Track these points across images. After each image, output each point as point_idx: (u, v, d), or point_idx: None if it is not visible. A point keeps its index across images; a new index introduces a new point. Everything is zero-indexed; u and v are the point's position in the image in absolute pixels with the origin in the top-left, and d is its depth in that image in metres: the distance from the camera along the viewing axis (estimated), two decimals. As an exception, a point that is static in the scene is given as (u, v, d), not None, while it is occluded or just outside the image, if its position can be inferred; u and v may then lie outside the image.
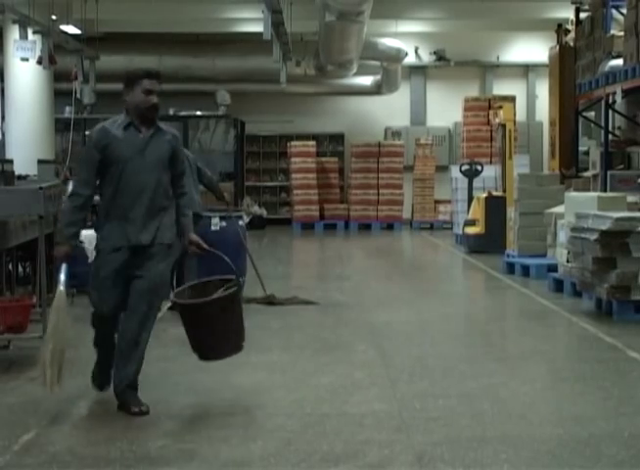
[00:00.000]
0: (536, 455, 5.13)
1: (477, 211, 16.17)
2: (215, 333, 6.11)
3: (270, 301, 10.60)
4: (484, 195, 16.24)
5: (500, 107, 16.62)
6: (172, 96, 22.20)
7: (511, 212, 14.04)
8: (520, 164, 16.75)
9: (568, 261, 10.62)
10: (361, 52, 19.48)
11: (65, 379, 5.92)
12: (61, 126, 18.25)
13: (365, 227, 22.12)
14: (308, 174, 22.10)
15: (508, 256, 13.73)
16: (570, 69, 17.56)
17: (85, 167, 6.04)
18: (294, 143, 22.48)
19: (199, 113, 22.34)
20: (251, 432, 5.55)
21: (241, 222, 11.09)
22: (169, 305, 9.16)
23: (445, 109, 23.40)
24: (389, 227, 22.13)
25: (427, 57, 23.72)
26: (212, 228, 10.59)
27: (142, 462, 5.03)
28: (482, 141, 20.12)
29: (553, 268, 11.59)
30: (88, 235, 10.81)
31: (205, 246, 6.26)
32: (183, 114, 22.19)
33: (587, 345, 8.42)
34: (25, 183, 10.30)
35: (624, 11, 15.09)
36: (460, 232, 17.35)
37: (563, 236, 11.09)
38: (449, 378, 6.97)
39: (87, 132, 22.03)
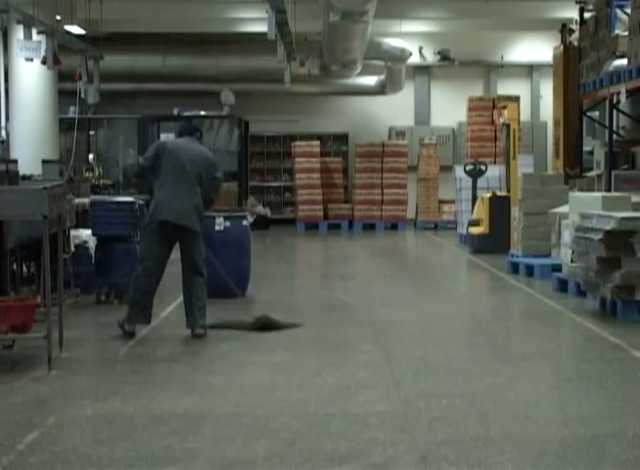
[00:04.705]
0: (541, 455, 5.12)
1: (481, 210, 16.16)
2: None
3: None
4: (489, 195, 16.23)
5: (504, 107, 16.60)
6: (176, 96, 22.28)
7: (515, 212, 14.04)
8: (524, 164, 16.73)
9: (572, 261, 10.61)
10: (365, 52, 19.47)
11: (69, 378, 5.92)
12: (65, 126, 18.26)
13: (369, 227, 22.10)
14: (312, 174, 22.09)
15: (512, 255, 13.73)
16: (574, 68, 17.55)
17: None
18: (298, 143, 22.47)
19: (203, 112, 22.33)
20: (255, 431, 5.55)
21: (245, 222, 11.09)
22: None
23: (449, 109, 23.40)
24: (394, 227, 22.11)
25: (431, 57, 23.70)
26: (217, 228, 10.60)
27: (146, 462, 5.03)
28: (487, 141, 20.13)
29: (557, 268, 11.59)
30: (90, 235, 10.89)
31: None
32: (187, 113, 22.18)
33: (591, 345, 8.42)
34: (30, 183, 10.30)
35: (629, 11, 15.08)
36: (464, 232, 17.34)
37: (567, 236, 11.09)
38: (453, 378, 6.96)
39: (92, 132, 22.15)
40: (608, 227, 9.21)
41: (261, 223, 21.17)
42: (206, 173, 8.67)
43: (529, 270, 12.80)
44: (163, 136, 21.77)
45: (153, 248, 8.54)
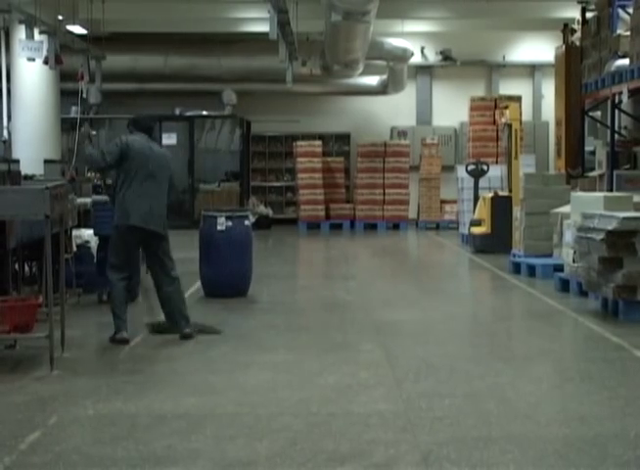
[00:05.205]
0: (542, 455, 5.12)
1: (483, 210, 16.15)
2: None
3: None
4: (490, 195, 16.22)
5: (506, 106, 16.60)
6: (178, 96, 22.29)
7: (517, 212, 14.03)
8: (526, 164, 16.74)
9: (574, 261, 10.61)
10: (367, 52, 19.46)
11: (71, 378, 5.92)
12: (67, 126, 18.27)
13: (371, 227, 22.09)
14: (314, 174, 22.09)
15: (514, 255, 13.72)
16: (576, 68, 17.55)
17: None
18: (299, 143, 22.46)
19: (205, 112, 22.35)
20: (256, 431, 5.55)
21: (247, 222, 11.09)
22: None
23: (451, 108, 23.40)
24: (395, 227, 22.10)
25: (433, 56, 23.69)
26: (218, 228, 10.59)
27: (148, 462, 5.03)
28: (488, 141, 20.13)
29: (559, 268, 11.58)
30: (92, 235, 10.89)
31: None
32: (189, 113, 22.21)
33: (593, 345, 8.41)
34: (32, 183, 10.31)
35: (631, 10, 15.08)
36: (466, 232, 17.34)
37: (569, 236, 11.08)
38: (455, 378, 6.96)
39: (93, 132, 22.13)
40: (610, 227, 9.20)
41: (263, 223, 21.18)
42: (170, 177, 8.53)
43: (531, 270, 12.79)
44: (165, 136, 21.83)
45: (124, 253, 8.34)
